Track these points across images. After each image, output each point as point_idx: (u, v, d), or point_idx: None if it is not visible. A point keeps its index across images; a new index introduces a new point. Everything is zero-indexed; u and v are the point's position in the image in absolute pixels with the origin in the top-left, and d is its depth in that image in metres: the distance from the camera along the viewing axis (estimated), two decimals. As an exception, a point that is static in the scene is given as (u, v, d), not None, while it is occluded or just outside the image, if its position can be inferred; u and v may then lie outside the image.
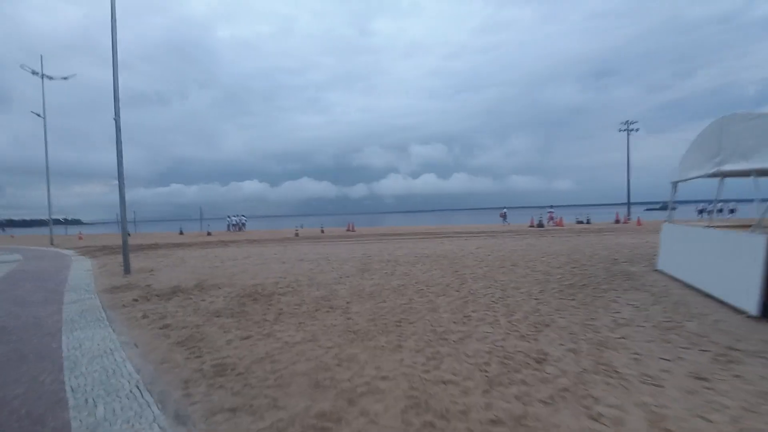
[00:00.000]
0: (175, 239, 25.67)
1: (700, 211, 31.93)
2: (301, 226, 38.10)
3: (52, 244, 22.31)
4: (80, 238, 30.70)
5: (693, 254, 6.20)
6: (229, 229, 38.92)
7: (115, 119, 9.09)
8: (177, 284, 7.72)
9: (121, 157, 9.23)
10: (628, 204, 48.14)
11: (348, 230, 32.05)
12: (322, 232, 30.68)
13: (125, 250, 9.34)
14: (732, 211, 31.88)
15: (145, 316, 5.38)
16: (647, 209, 51.58)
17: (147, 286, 7.65)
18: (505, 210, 36.37)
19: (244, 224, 40.33)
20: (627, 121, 48.61)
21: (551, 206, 31.18)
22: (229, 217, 41.15)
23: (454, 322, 4.63)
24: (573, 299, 5.58)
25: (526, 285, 6.68)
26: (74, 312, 5.78)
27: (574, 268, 8.37)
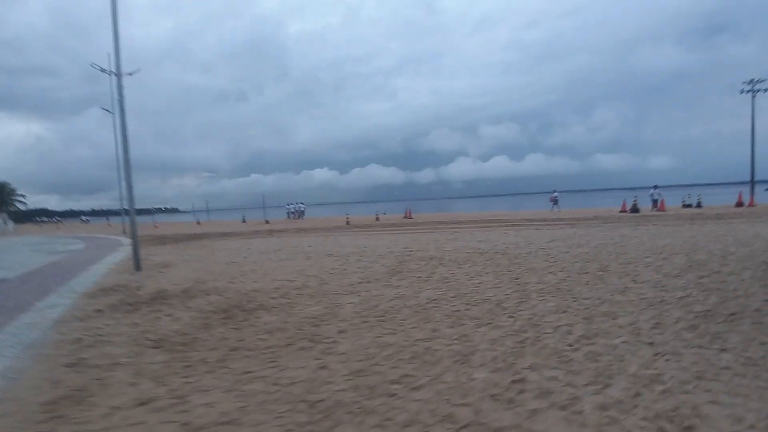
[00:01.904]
0: (231, 228, 26.11)
1: None
2: (384, 213, 37.02)
3: (124, 233, 23.87)
4: (156, 227, 33.07)
5: None
6: (288, 217, 39.49)
7: (119, 99, 8.21)
8: (166, 288, 6.53)
9: (127, 142, 8.36)
10: (752, 182, 39.34)
11: (405, 217, 30.24)
12: (377, 219, 29.23)
13: (135, 244, 8.54)
14: None
15: (77, 341, 4.09)
16: (766, 189, 41.65)
17: (135, 289, 6.58)
18: (555, 193, 29.32)
19: (302, 212, 40.62)
20: (752, 80, 39.47)
21: (655, 186, 25.36)
22: (288, 204, 41.80)
23: (494, 398, 2.51)
24: (723, 348, 3.07)
25: (628, 310, 4.21)
26: (12, 328, 4.74)
27: (704, 277, 5.54)
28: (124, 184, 25.20)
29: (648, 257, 7.33)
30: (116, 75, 8.47)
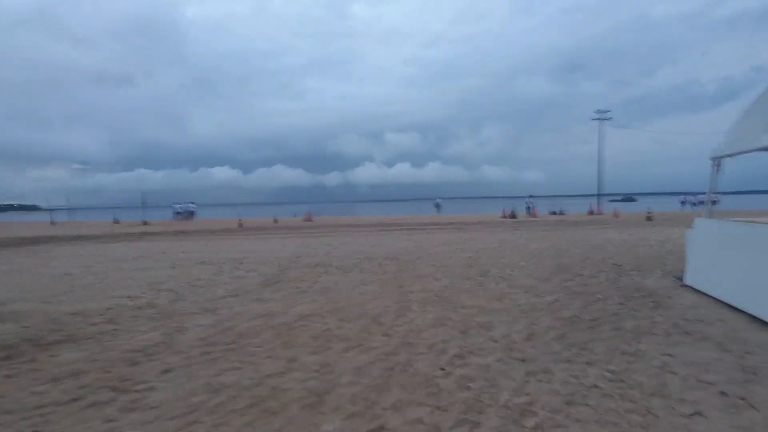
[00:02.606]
0: (96, 230, 21.77)
1: (683, 203, 30.93)
2: (294, 215, 34.57)
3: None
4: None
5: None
6: (175, 218, 34.87)
7: None
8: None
9: None
10: (599, 195, 47.49)
11: (306, 220, 29.01)
12: (275, 222, 27.44)
13: None
14: (714, 202, 30.94)
15: None
16: (610, 201, 51.22)
17: None
18: (438, 200, 35.39)
19: (192, 212, 36.28)
20: (600, 110, 47.81)
21: (530, 196, 29.29)
22: (174, 204, 36.98)
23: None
24: (589, 361, 2.99)
25: (504, 319, 4.08)
26: None
27: (569, 281, 5.88)
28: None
29: (523, 262, 7.73)
30: None
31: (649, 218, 21.24)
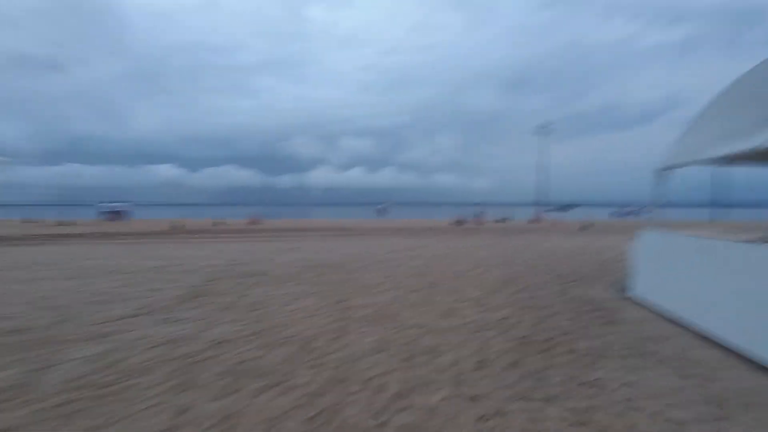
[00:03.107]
0: (-8, 230, 18.75)
1: (616, 213, 33.35)
2: (253, 217, 32.15)
3: None
4: None
5: (721, 285, 3.66)
6: (101, 218, 31.38)
7: None
8: None
9: None
10: (539, 204, 50.19)
11: (252, 223, 27.42)
12: (218, 224, 25.61)
13: None
14: (638, 212, 33.74)
15: None
16: (549, 209, 54.46)
17: None
18: (382, 205, 33.24)
19: (121, 212, 32.92)
20: (542, 123, 50.66)
21: (480, 204, 30.22)
22: (101, 203, 33.39)
23: None
24: (547, 397, 2.58)
25: (452, 341, 3.62)
26: None
27: (518, 293, 5.62)
28: None
29: (472, 270, 7.46)
30: None
31: (585, 227, 22.50)
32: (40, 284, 6.11)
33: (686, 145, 4.58)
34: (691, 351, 3.42)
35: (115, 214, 32.12)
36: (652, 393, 2.63)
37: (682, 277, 4.27)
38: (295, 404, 2.47)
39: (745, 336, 3.25)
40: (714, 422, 2.26)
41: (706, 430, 2.18)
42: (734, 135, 3.74)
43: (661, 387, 2.71)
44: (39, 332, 3.91)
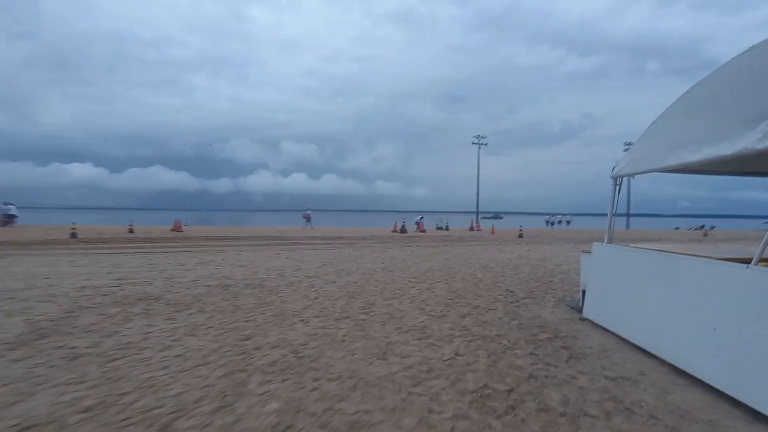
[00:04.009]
0: None
1: (548, 223, 35.02)
2: (184, 221, 28.01)
3: None
4: None
5: (695, 314, 3.12)
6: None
7: None
8: None
9: None
10: (477, 212, 52.02)
11: (174, 230, 24.46)
12: (131, 231, 22.38)
13: None
14: (568, 222, 35.91)
15: None
16: (482, 218, 56.87)
17: None
18: (309, 211, 29.28)
19: (10, 216, 27.64)
20: (478, 136, 52.88)
21: (421, 216, 30.05)
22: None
23: None
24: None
25: (387, 403, 2.65)
26: None
27: (466, 316, 4.84)
28: None
29: (413, 287, 6.62)
30: None
31: (520, 235, 23.16)
32: None
33: (643, 153, 4.14)
34: (673, 395, 2.80)
35: (10, 218, 26.87)
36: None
37: (643, 297, 3.75)
38: None
39: (735, 381, 2.70)
40: None
41: None
42: (692, 142, 3.29)
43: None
44: None
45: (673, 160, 3.46)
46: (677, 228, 41.05)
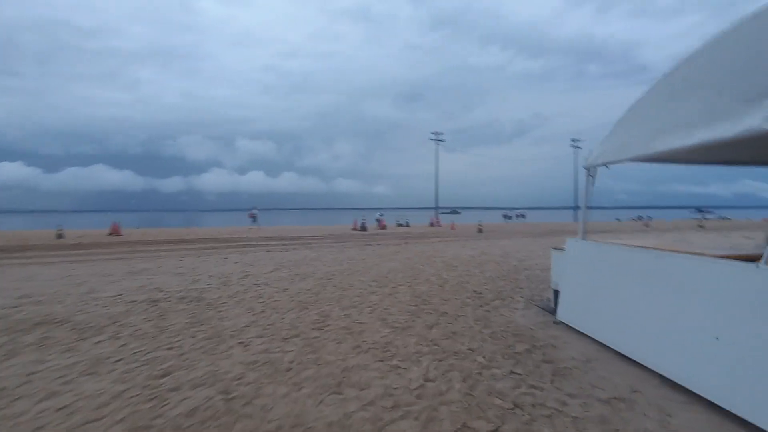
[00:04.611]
0: None
1: (505, 217, 35.85)
2: (120, 226, 24.87)
3: None
4: None
5: (677, 311, 2.76)
6: None
7: None
8: None
9: None
10: (437, 208, 52.51)
11: (111, 234, 22.16)
12: (59, 237, 19.91)
13: None
14: (523, 216, 36.96)
15: None
16: (441, 213, 57.58)
17: None
18: (255, 210, 28.73)
19: None
20: (436, 132, 53.35)
21: (381, 212, 29.44)
22: None
23: None
24: None
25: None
26: None
27: (434, 327, 4.29)
28: None
29: (374, 292, 6.01)
30: None
31: (480, 230, 23.32)
32: None
33: (617, 143, 3.79)
34: (676, 417, 2.40)
35: None
36: None
37: (627, 301, 3.38)
38: None
39: (744, 399, 2.33)
40: None
41: None
42: (684, 126, 2.94)
43: None
44: None
45: (660, 146, 3.09)
46: (618, 219, 42.63)
